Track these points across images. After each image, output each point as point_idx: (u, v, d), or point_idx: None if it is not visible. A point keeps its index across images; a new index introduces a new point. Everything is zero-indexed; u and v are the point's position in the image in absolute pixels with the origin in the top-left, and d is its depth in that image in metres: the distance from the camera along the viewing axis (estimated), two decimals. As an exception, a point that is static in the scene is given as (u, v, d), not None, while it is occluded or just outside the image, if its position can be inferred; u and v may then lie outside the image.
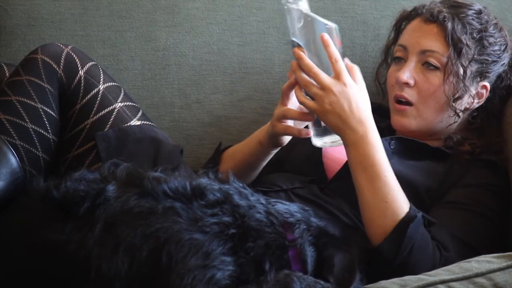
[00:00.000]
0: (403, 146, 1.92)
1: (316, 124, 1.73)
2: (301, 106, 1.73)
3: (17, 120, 1.77)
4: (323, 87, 1.67)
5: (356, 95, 1.69)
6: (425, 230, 1.70)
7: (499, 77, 1.97)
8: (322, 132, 1.73)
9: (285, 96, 1.76)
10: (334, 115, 1.67)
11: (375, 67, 2.16)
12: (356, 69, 1.73)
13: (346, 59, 1.73)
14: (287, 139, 1.84)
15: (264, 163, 1.94)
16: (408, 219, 1.67)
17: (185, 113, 2.21)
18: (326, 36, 1.69)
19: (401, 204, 1.69)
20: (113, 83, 1.89)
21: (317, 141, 1.74)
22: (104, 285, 1.45)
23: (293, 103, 1.76)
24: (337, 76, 1.69)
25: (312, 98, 1.69)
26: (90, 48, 2.16)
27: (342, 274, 1.56)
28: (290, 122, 1.78)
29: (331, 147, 1.76)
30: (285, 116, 1.75)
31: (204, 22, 2.22)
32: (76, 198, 1.51)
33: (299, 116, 1.72)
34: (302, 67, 1.68)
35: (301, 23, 1.70)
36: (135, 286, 1.46)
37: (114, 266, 1.45)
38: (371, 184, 1.69)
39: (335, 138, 1.72)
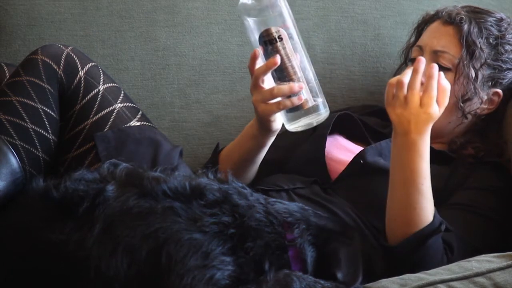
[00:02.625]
0: None
1: (293, 109, 1.73)
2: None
3: (17, 121, 1.77)
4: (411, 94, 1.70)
5: (431, 116, 1.71)
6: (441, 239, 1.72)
7: None
8: (293, 117, 1.74)
9: (260, 81, 1.74)
10: (402, 110, 1.70)
11: (375, 66, 2.17)
12: (447, 91, 1.74)
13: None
14: (279, 122, 1.82)
15: (262, 156, 1.93)
16: (432, 230, 1.68)
17: (185, 113, 2.21)
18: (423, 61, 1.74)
19: (428, 213, 1.70)
20: (113, 84, 1.89)
21: (289, 126, 1.75)
22: (104, 285, 1.45)
23: (270, 84, 1.75)
24: (438, 102, 1.71)
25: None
26: (90, 48, 2.16)
27: (348, 268, 1.57)
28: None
29: (304, 129, 1.76)
30: (277, 94, 1.72)
31: (204, 22, 2.22)
32: (75, 198, 1.51)
33: (291, 88, 1.70)
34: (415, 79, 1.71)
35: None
36: (134, 286, 1.46)
37: (114, 266, 1.45)
38: (406, 188, 1.70)
39: (305, 121, 1.73)
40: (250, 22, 1.73)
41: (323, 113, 1.74)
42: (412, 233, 1.68)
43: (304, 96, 1.71)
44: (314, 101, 1.72)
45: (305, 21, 2.23)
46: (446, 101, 1.72)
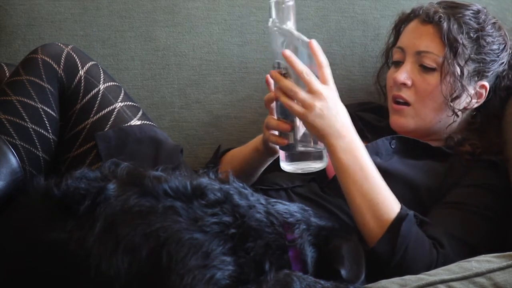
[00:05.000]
0: (404, 146, 1.93)
1: (285, 148, 1.72)
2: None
3: (17, 120, 1.77)
4: (313, 91, 1.66)
5: (338, 101, 1.69)
6: (419, 229, 1.71)
7: (499, 76, 1.97)
8: (282, 155, 1.73)
9: (269, 107, 1.76)
10: (321, 120, 1.66)
11: (375, 66, 2.17)
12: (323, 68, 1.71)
13: None
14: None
15: (261, 171, 1.94)
16: (400, 218, 1.68)
17: (185, 113, 2.21)
18: (315, 42, 1.68)
19: (392, 204, 1.70)
20: (113, 83, 1.89)
21: (285, 166, 1.73)
22: (104, 284, 1.45)
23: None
24: (325, 81, 1.68)
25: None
26: (90, 48, 2.16)
27: (351, 264, 1.56)
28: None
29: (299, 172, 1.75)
30: (267, 125, 1.75)
31: (204, 22, 2.22)
32: (76, 197, 1.51)
33: (278, 126, 1.71)
34: (296, 70, 1.65)
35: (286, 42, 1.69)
36: (134, 286, 1.46)
37: (114, 265, 1.45)
38: (361, 187, 1.69)
39: (292, 166, 1.72)
40: (276, 35, 1.70)
41: (311, 164, 1.72)
42: (386, 230, 1.67)
43: (291, 140, 1.70)
44: (303, 148, 1.70)
45: (305, 21, 2.23)
46: (328, 75, 1.68)
